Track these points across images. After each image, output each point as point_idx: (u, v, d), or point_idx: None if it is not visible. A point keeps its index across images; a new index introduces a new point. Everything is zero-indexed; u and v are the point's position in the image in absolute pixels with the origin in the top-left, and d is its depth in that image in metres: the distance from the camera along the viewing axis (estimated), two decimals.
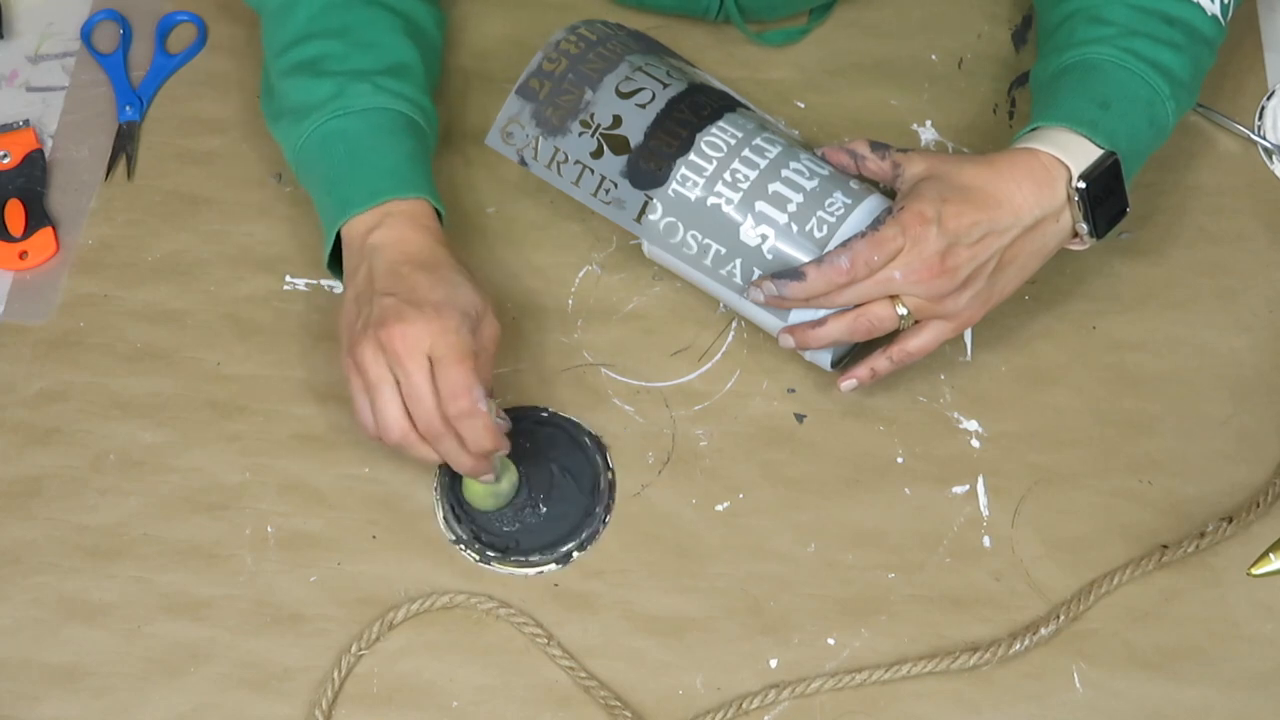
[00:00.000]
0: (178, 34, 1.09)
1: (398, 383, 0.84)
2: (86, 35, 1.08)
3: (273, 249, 1.01)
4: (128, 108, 1.05)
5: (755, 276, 0.90)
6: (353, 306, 0.87)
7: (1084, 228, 0.89)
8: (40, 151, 1.03)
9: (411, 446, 0.85)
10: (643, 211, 0.91)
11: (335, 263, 0.93)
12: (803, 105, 1.05)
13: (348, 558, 0.91)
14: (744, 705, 0.87)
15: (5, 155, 1.03)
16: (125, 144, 1.04)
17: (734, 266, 0.90)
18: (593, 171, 0.92)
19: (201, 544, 0.92)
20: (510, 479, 0.91)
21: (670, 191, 0.90)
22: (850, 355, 0.95)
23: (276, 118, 0.95)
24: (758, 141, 0.91)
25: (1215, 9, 0.93)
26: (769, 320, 0.92)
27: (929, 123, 1.05)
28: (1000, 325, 0.97)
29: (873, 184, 0.93)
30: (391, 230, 0.89)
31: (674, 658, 0.89)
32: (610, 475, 0.93)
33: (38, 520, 0.92)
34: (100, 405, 0.96)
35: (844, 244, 0.86)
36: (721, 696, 0.88)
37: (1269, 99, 1.06)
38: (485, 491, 0.90)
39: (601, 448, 0.94)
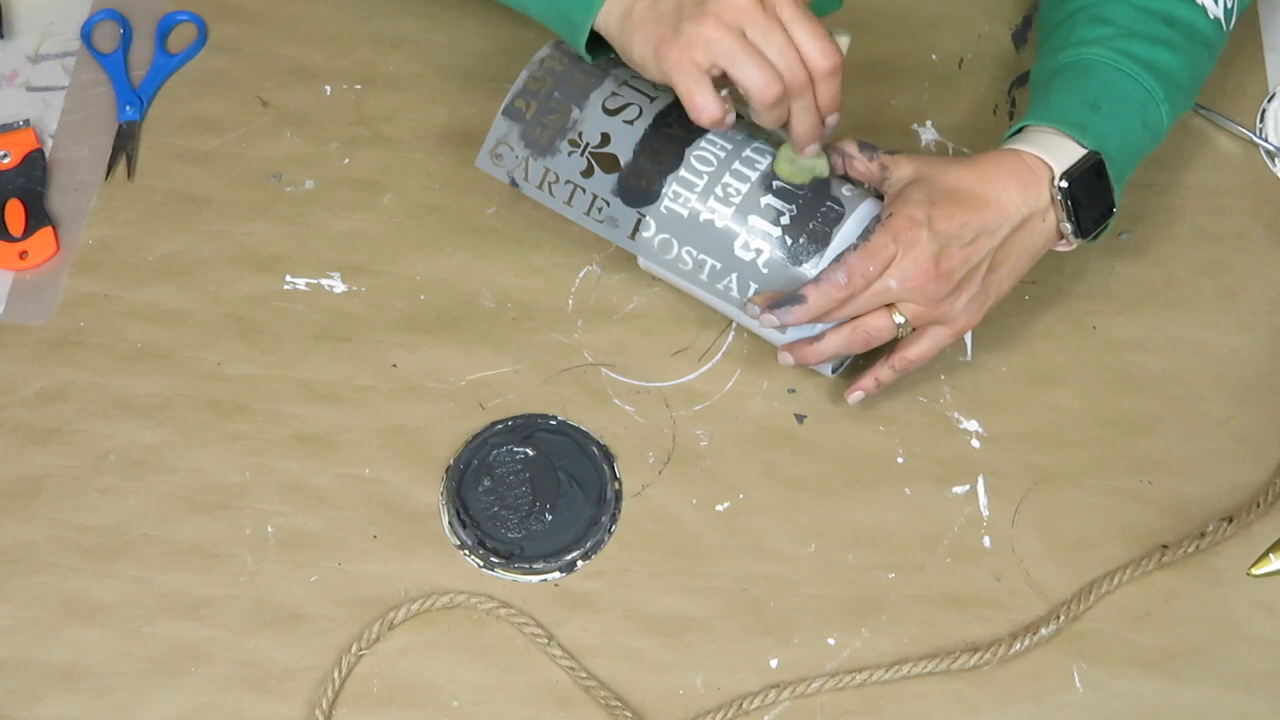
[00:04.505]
0: (178, 34, 1.09)
1: (753, 47, 0.83)
2: (86, 35, 1.08)
3: (273, 249, 1.01)
4: (128, 107, 1.05)
5: (752, 290, 0.90)
6: (653, 7, 0.85)
7: (1068, 227, 0.89)
8: (40, 151, 1.03)
9: (778, 106, 0.84)
10: (636, 229, 0.91)
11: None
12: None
13: (348, 558, 0.91)
14: (744, 705, 0.87)
15: (5, 155, 1.03)
16: (125, 144, 1.04)
17: (730, 280, 0.90)
18: (584, 191, 0.91)
19: (201, 544, 0.92)
20: (824, 158, 0.90)
21: (663, 209, 0.90)
22: (852, 359, 0.95)
23: None
24: (748, 153, 0.91)
25: (1218, 11, 0.93)
26: (767, 331, 0.92)
27: (929, 123, 1.05)
28: (1000, 325, 0.97)
29: (864, 187, 0.93)
30: None
31: (674, 658, 0.89)
32: (617, 485, 0.93)
33: (38, 520, 0.92)
34: (100, 405, 0.96)
35: (838, 259, 0.86)
36: (722, 696, 0.88)
37: (1270, 101, 1.06)
38: (808, 165, 0.89)
39: (609, 457, 0.94)
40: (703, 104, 0.84)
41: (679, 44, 0.83)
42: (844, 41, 0.86)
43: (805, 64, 0.84)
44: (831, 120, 0.87)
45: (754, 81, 0.83)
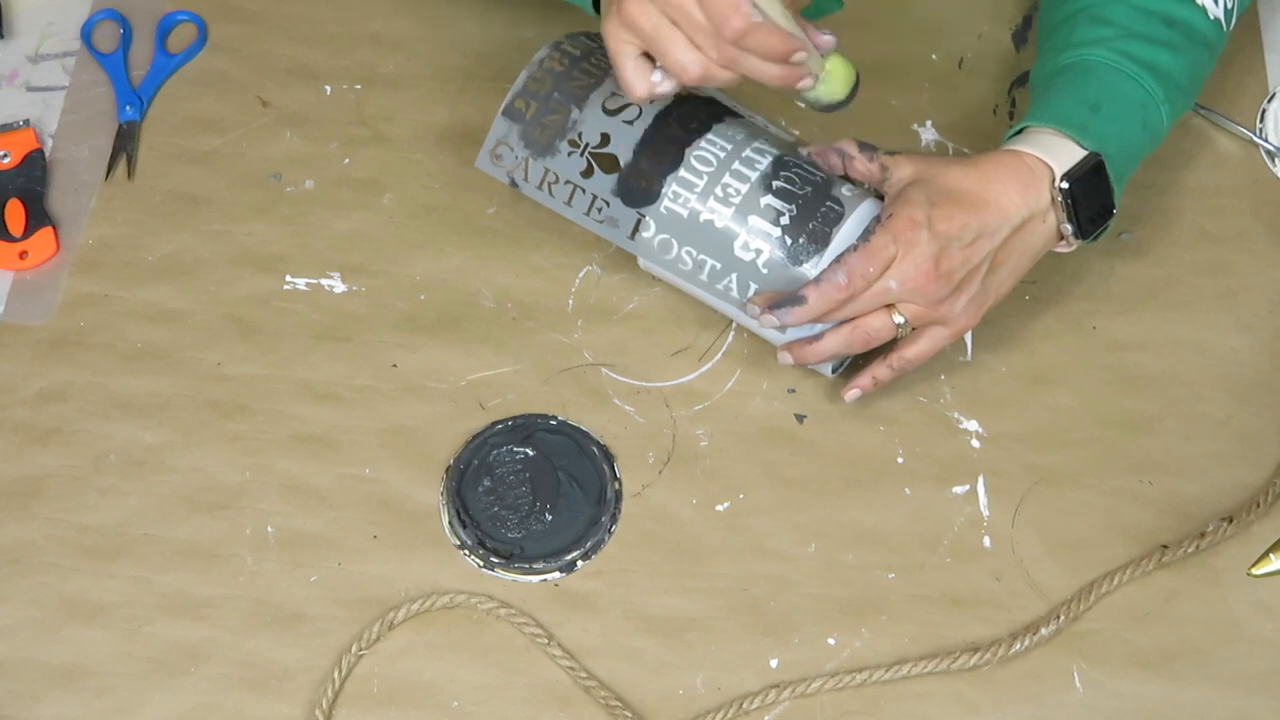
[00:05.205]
0: (178, 34, 1.09)
1: (675, 25, 0.82)
2: (87, 35, 1.08)
3: (273, 249, 1.01)
4: (128, 107, 1.05)
5: (751, 290, 0.90)
6: None
7: (1068, 228, 0.89)
8: (40, 151, 1.03)
9: (716, 78, 0.83)
10: (636, 229, 0.91)
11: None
12: (803, 105, 1.05)
13: (348, 558, 0.91)
14: (744, 705, 0.87)
15: (5, 155, 1.03)
16: (125, 144, 1.04)
17: (730, 281, 0.90)
18: (584, 191, 0.91)
19: (201, 544, 0.92)
20: (842, 77, 0.86)
21: (662, 209, 0.90)
22: (852, 359, 0.95)
23: None
24: (747, 153, 0.91)
25: (1219, 12, 0.93)
26: (767, 331, 0.92)
27: (929, 123, 1.05)
28: (1000, 325, 0.97)
29: (864, 187, 0.93)
30: None
31: (674, 658, 0.89)
32: (618, 485, 0.93)
33: (38, 520, 0.92)
34: (100, 405, 0.96)
35: (838, 259, 0.86)
36: (722, 696, 0.88)
37: (1270, 101, 1.06)
38: (824, 95, 0.87)
39: (609, 457, 0.94)
40: (628, 81, 0.84)
41: (613, 22, 0.83)
42: (771, 5, 0.81)
43: (720, 32, 0.81)
44: (826, 40, 0.85)
45: (670, 65, 0.83)
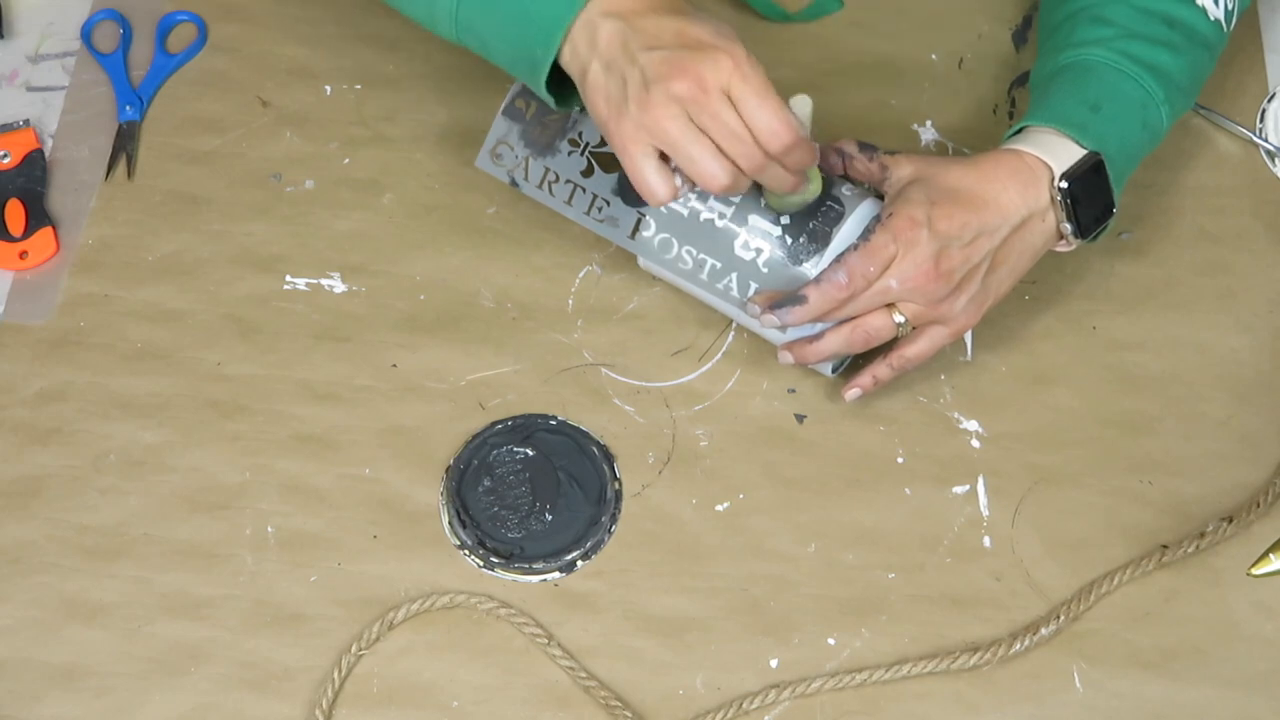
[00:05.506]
0: (178, 34, 1.09)
1: (704, 131, 0.79)
2: (86, 35, 1.08)
3: (273, 249, 1.01)
4: (128, 107, 1.05)
5: (752, 289, 0.90)
6: (604, 77, 0.80)
7: (1067, 228, 0.89)
8: (40, 151, 1.03)
9: (736, 187, 0.81)
10: (636, 228, 0.91)
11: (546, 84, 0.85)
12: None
13: (348, 558, 0.91)
14: (744, 705, 0.87)
15: (5, 155, 1.03)
16: (125, 144, 1.04)
17: (730, 280, 0.90)
18: (584, 190, 0.92)
19: (201, 544, 0.92)
20: (817, 181, 0.87)
21: (663, 208, 0.90)
22: (852, 359, 0.95)
23: None
24: None
25: (1219, 13, 0.93)
26: (768, 331, 0.92)
27: (929, 123, 1.05)
28: (1000, 325, 0.97)
29: (863, 187, 0.93)
30: None
31: (674, 658, 0.89)
32: (617, 485, 0.93)
33: (38, 520, 0.92)
34: (100, 405, 0.96)
35: (838, 259, 0.86)
36: (722, 696, 0.88)
37: (1270, 101, 1.06)
38: (799, 199, 0.87)
39: (609, 457, 0.94)
40: (650, 186, 0.81)
41: (625, 127, 0.80)
42: (803, 107, 0.82)
43: (758, 143, 0.79)
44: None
45: (698, 174, 0.80)
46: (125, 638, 0.89)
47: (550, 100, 0.86)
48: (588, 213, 0.92)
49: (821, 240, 0.88)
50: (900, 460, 0.94)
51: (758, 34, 1.08)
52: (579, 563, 0.91)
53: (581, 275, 1.00)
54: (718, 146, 0.80)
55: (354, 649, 0.88)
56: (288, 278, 1.00)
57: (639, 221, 0.91)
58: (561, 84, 0.86)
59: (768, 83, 0.79)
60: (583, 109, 0.89)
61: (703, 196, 0.89)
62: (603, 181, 0.91)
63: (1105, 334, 0.98)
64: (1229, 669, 0.88)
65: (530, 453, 0.93)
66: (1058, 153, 0.88)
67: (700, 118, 0.79)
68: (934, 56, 1.08)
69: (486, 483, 0.93)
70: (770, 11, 1.08)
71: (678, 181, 0.82)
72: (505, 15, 0.84)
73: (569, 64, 0.83)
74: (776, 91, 0.79)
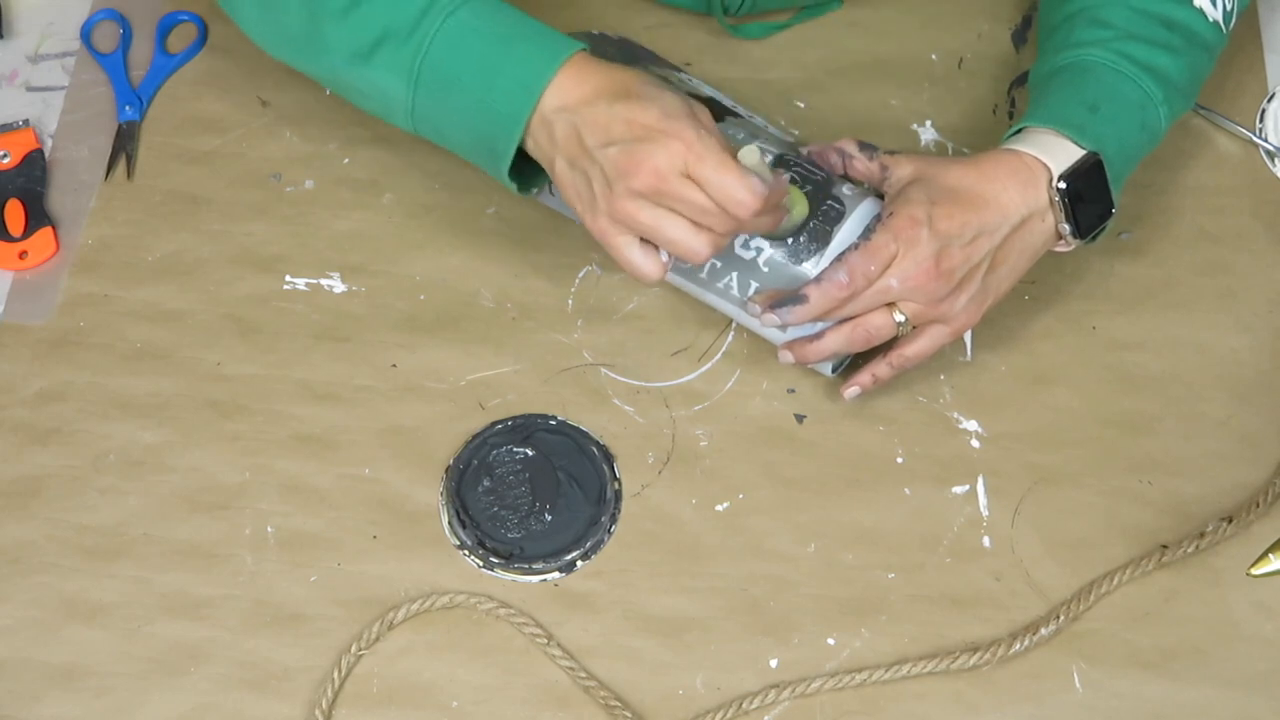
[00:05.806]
0: (178, 34, 1.09)
1: (674, 212, 0.82)
2: (86, 35, 1.08)
3: (273, 249, 1.01)
4: (128, 107, 1.05)
5: (752, 288, 0.90)
6: (570, 174, 0.84)
7: (1066, 228, 0.89)
8: (40, 151, 1.03)
9: (721, 248, 0.84)
10: None
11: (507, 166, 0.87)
12: (803, 105, 1.05)
13: (348, 558, 0.91)
14: (744, 705, 0.87)
15: (5, 155, 1.03)
16: (125, 144, 1.04)
17: (730, 279, 0.90)
18: None
19: (201, 544, 0.92)
20: (801, 204, 0.88)
21: None
22: (851, 359, 0.95)
23: (354, 60, 0.87)
24: None
25: (1217, 15, 0.94)
26: (768, 330, 0.91)
27: (929, 123, 1.05)
28: (1000, 325, 0.97)
29: (864, 186, 0.93)
30: (567, 84, 0.83)
31: (674, 658, 0.89)
32: (617, 485, 0.93)
33: (38, 520, 0.92)
34: (100, 405, 0.96)
35: (839, 258, 0.86)
36: (721, 696, 0.88)
37: (1270, 101, 1.06)
38: (789, 225, 0.88)
39: (609, 457, 0.94)
40: (638, 269, 0.84)
41: (600, 222, 0.84)
42: (751, 157, 0.82)
43: (728, 213, 0.81)
44: (782, 176, 0.85)
45: (680, 252, 0.83)
46: (125, 638, 0.89)
47: (512, 187, 0.88)
48: None
49: (822, 240, 0.88)
50: (900, 460, 0.94)
51: (757, 34, 1.08)
52: (579, 563, 0.91)
53: (581, 275, 1.00)
54: (693, 222, 0.82)
55: (354, 649, 0.88)
56: (287, 278, 1.00)
57: None
58: (525, 157, 0.88)
59: (722, 154, 0.81)
60: (551, 188, 0.90)
61: None
62: None
63: (1105, 334, 0.98)
64: (1229, 669, 0.88)
65: (530, 453, 0.93)
66: (1056, 153, 0.88)
67: (667, 203, 0.81)
68: (934, 56, 1.08)
69: (486, 483, 0.93)
70: (763, 32, 1.08)
71: (664, 257, 0.85)
72: (463, 111, 0.86)
73: (535, 153, 0.86)
74: (732, 157, 0.81)
